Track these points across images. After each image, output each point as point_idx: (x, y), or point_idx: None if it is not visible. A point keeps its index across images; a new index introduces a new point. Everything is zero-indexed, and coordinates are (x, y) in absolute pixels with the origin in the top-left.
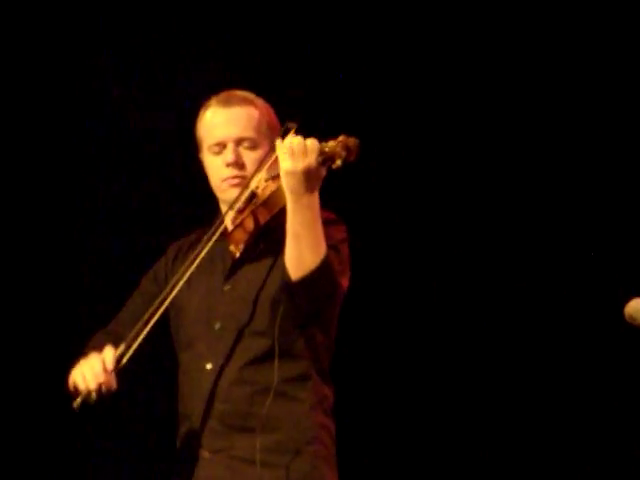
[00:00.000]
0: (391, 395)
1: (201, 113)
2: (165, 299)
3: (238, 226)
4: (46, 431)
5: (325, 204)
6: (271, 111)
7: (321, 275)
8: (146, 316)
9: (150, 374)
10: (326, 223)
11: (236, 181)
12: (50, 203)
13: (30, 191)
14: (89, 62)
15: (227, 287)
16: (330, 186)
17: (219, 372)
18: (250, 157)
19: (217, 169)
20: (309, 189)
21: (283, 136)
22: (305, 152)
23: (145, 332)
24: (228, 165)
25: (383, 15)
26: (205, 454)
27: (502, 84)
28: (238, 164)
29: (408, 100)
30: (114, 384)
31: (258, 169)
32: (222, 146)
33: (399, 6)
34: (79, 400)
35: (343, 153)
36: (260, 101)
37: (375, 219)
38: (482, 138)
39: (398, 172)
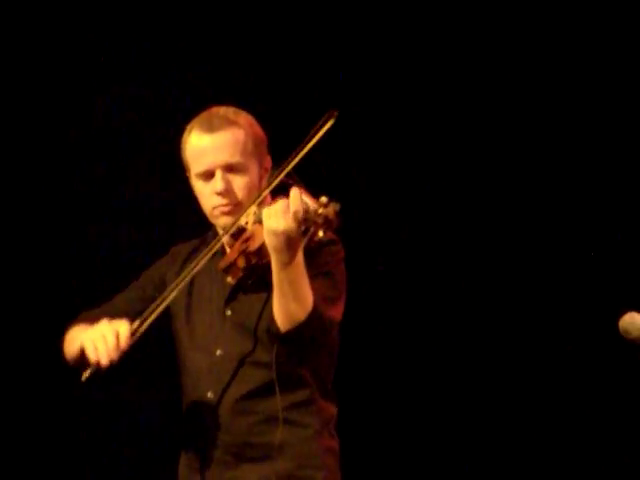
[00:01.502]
0: (392, 406)
1: (185, 136)
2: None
3: (232, 264)
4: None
5: None
6: (255, 124)
7: (309, 326)
8: (165, 294)
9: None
10: (321, 245)
11: (227, 209)
12: (50, 200)
13: (29, 187)
14: (91, 59)
15: (228, 312)
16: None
17: (220, 401)
18: (239, 182)
19: (207, 197)
20: (291, 251)
21: (323, 124)
22: (286, 216)
23: (160, 309)
24: (218, 194)
25: (382, 15)
26: None
27: (501, 88)
28: (228, 192)
29: (408, 104)
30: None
31: (250, 202)
32: (210, 174)
33: (399, 7)
34: (89, 373)
35: (324, 226)
36: (242, 117)
37: (374, 232)
38: (481, 142)
39: (398, 175)
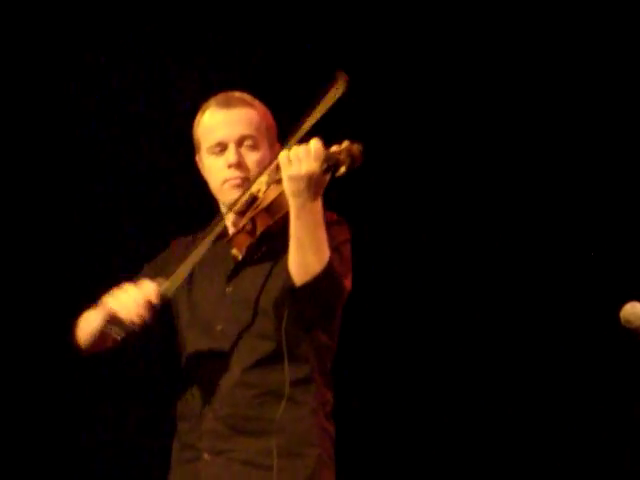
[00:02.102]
0: (390, 397)
1: (199, 115)
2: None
3: (240, 231)
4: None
5: (327, 202)
6: (269, 113)
7: (325, 280)
8: (189, 256)
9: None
10: (328, 224)
11: (238, 182)
12: (51, 199)
13: (30, 187)
14: (90, 58)
15: (229, 289)
16: (331, 185)
17: (222, 374)
18: (251, 158)
19: (218, 170)
20: (312, 194)
21: (330, 86)
22: (309, 157)
23: (188, 270)
24: (230, 166)
25: (384, 14)
26: (205, 455)
27: (502, 87)
28: (240, 165)
29: (409, 101)
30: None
31: (260, 172)
32: (223, 147)
33: (400, 6)
34: (124, 334)
35: (347, 160)
36: (258, 103)
37: (377, 219)
38: (482, 140)
39: (399, 171)
